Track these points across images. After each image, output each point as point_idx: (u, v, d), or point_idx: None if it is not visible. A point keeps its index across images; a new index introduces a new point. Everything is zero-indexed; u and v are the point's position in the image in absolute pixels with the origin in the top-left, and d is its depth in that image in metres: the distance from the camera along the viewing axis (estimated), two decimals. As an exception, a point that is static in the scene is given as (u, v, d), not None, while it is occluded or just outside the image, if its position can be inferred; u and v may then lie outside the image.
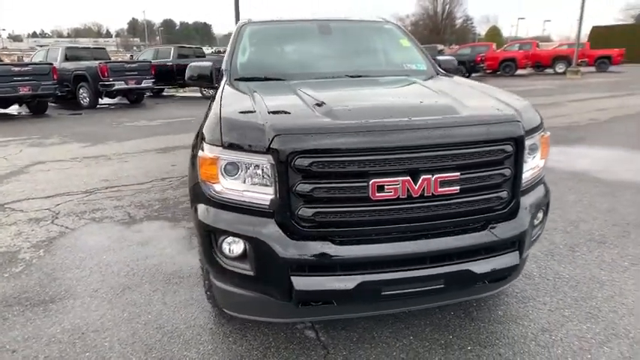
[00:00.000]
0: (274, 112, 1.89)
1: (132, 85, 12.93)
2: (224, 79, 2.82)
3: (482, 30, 62.08)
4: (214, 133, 1.87)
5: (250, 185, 1.81)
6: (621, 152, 6.20)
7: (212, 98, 2.86)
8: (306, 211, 1.73)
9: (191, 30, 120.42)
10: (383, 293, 1.81)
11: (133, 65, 13.33)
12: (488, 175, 1.82)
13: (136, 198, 4.66)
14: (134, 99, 14.15)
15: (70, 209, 4.35)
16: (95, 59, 13.40)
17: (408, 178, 1.71)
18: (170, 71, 15.05)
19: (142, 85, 13.30)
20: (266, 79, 2.78)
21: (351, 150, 1.69)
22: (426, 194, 1.74)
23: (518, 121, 1.89)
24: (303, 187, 1.71)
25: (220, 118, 1.90)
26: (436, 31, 48.95)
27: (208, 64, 3.01)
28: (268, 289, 1.88)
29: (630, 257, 3.09)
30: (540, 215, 2.13)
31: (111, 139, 8.12)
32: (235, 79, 2.79)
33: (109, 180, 5.37)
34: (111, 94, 13.39)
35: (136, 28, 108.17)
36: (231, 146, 1.80)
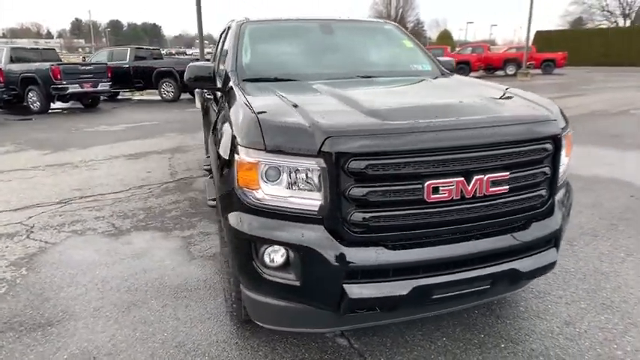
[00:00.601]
0: (316, 113, 1.80)
1: (88, 88, 12.21)
2: (232, 80, 2.69)
3: (432, 34, 64.21)
4: (252, 135, 1.76)
5: (295, 190, 1.72)
6: (592, 149, 6.52)
7: (222, 100, 2.73)
8: (359, 216, 1.67)
9: (139, 31, 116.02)
10: (433, 297, 1.77)
11: (89, 67, 12.60)
12: (532, 173, 1.84)
13: (116, 208, 4.38)
14: (89, 103, 13.37)
15: (46, 222, 4.01)
16: (45, 61, 12.55)
17: (462, 178, 1.69)
18: (127, 74, 14.37)
19: (99, 88, 12.59)
20: (276, 79, 2.67)
21: (408, 151, 1.65)
22: (477, 195, 1.73)
23: (555, 120, 1.93)
24: (357, 191, 1.64)
25: (258, 120, 1.78)
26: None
27: (210, 64, 2.87)
28: (314, 298, 1.79)
29: (624, 248, 3.26)
30: (567, 213, 2.18)
31: (72, 145, 7.61)
32: (244, 80, 2.66)
33: (81, 189, 5.01)
34: (64, 98, 12.60)
35: (79, 28, 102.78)
36: (275, 150, 1.70)
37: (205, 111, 4.93)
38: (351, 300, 1.69)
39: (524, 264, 1.87)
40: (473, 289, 1.82)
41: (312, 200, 1.70)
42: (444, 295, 1.78)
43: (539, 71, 25.78)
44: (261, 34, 3.12)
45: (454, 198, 1.70)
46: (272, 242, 1.76)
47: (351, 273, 1.69)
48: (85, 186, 5.13)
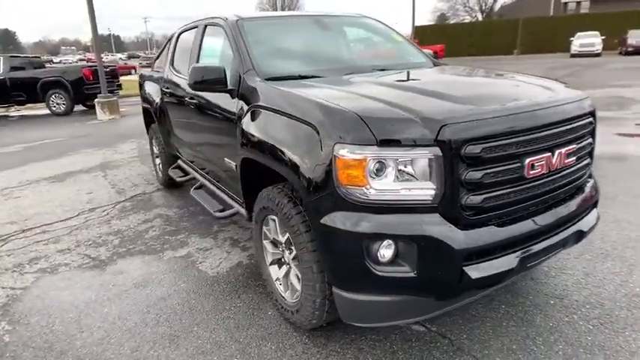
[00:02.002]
0: (407, 104, 1.81)
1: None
2: (251, 81, 2.53)
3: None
4: (358, 131, 1.70)
5: (406, 182, 1.71)
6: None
7: (237, 103, 2.54)
8: (473, 199, 1.72)
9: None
10: (529, 264, 1.91)
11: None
12: (585, 144, 2.08)
13: (78, 237, 3.81)
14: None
15: (-5, 265, 3.34)
16: None
17: (549, 154, 1.85)
18: (3, 87, 12.36)
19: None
20: (300, 77, 2.59)
21: (513, 132, 1.75)
22: (558, 167, 1.90)
23: (588, 97, 2.20)
24: (473, 175, 1.69)
25: (360, 115, 1.73)
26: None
27: (220, 65, 2.64)
28: (429, 286, 1.80)
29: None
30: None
31: (-34, 174, 6.36)
32: (267, 80, 2.52)
33: (16, 222, 4.25)
34: None
35: None
36: (386, 143, 1.67)
37: (158, 119, 4.53)
38: (473, 281, 1.74)
39: (583, 224, 2.11)
40: (554, 252, 2.00)
41: (425, 190, 1.71)
42: (537, 261, 1.93)
43: (423, 63, 28.18)
44: (261, 32, 2.96)
45: (544, 172, 1.86)
46: (386, 237, 1.73)
47: (469, 255, 1.74)
48: (19, 218, 4.35)
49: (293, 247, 2.17)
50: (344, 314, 1.98)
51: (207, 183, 3.63)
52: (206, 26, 3.43)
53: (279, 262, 2.48)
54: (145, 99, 5.04)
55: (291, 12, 3.01)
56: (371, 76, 2.60)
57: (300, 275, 2.15)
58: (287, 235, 2.21)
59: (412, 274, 1.75)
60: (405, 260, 1.76)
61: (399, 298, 1.86)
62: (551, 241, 1.94)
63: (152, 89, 4.72)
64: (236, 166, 2.73)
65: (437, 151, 1.67)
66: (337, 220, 1.78)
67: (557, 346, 2.10)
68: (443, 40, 34.94)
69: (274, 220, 2.32)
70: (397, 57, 3.23)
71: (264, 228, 2.47)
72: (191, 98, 3.35)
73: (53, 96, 12.59)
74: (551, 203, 1.98)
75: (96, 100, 11.52)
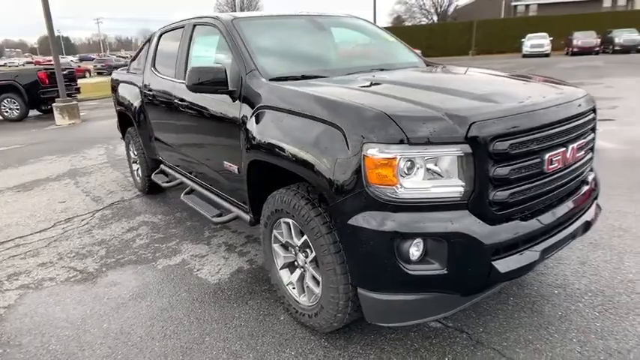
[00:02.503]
0: (430, 102, 1.82)
1: None
2: (255, 82, 2.46)
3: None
4: (388, 130, 1.69)
5: (436, 180, 1.72)
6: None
7: (240, 106, 2.48)
8: (500, 195, 1.75)
9: None
10: (546, 256, 1.97)
11: None
12: (590, 139, 2.17)
13: (58, 249, 3.58)
14: None
15: (-30, 284, 3.07)
16: None
17: (564, 148, 1.92)
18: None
19: None
20: (304, 77, 2.55)
21: (533, 129, 1.80)
22: (571, 161, 1.98)
23: (589, 94, 2.29)
24: (500, 171, 1.73)
25: (388, 114, 1.72)
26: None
27: (221, 66, 2.55)
28: (459, 283, 1.81)
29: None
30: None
31: None
32: (271, 80, 2.47)
33: (-16, 236, 3.94)
34: None
35: None
36: (417, 142, 1.67)
37: (138, 123, 4.35)
38: (501, 275, 1.77)
39: (589, 215, 2.21)
40: (567, 242, 2.07)
41: (454, 187, 1.72)
42: (553, 252, 2.00)
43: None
44: (258, 32, 2.89)
45: (559, 166, 1.92)
46: (418, 235, 1.73)
47: (497, 250, 1.77)
48: (-13, 231, 4.05)
49: (311, 250, 2.13)
50: (369, 315, 1.96)
51: (197, 188, 3.52)
52: (195, 26, 3.32)
53: (291, 266, 2.43)
54: (121, 102, 4.81)
55: (283, 12, 2.93)
56: (375, 75, 2.60)
57: (320, 278, 2.11)
58: (304, 237, 2.17)
59: (443, 271, 1.76)
60: (435, 258, 1.77)
61: (426, 296, 1.86)
62: (566, 232, 2.02)
63: (129, 92, 4.51)
64: (239, 169, 2.66)
65: (467, 148, 1.69)
66: (367, 220, 1.76)
67: (570, 334, 2.18)
68: (405, 41, 35.70)
69: (288, 223, 2.27)
70: (392, 57, 3.25)
71: (275, 231, 2.42)
72: (181, 100, 3.23)
73: (5, 100, 11.84)
74: (563, 196, 2.05)
75: (54, 104, 10.92)
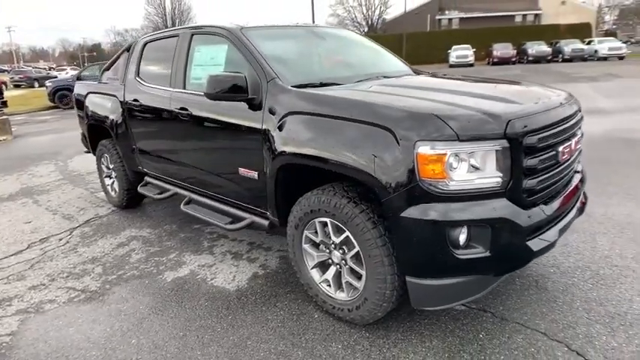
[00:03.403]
0: (470, 104, 2.05)
1: None
2: (284, 87, 2.55)
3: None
4: (439, 129, 1.87)
5: (479, 172, 1.93)
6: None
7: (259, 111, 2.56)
8: (530, 183, 2.00)
9: None
10: (561, 235, 2.26)
11: None
12: (581, 133, 2.52)
13: (45, 270, 3.36)
14: None
15: (-44, 314, 2.80)
16: None
17: (570, 142, 2.23)
18: None
19: None
20: (322, 84, 2.67)
21: (551, 125, 2.08)
22: (573, 152, 2.30)
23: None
24: (531, 162, 1.98)
25: (439, 115, 1.90)
26: (170, 46, 48.49)
27: (241, 74, 2.60)
28: (498, 264, 2.03)
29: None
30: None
31: None
32: (293, 87, 2.57)
33: (-51, 263, 3.57)
34: None
35: None
36: (465, 138, 1.87)
37: (117, 135, 4.20)
38: (534, 253, 2.02)
39: (583, 197, 2.56)
40: (572, 222, 2.39)
41: (494, 178, 1.94)
42: (565, 231, 2.29)
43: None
44: (268, 41, 2.97)
45: (567, 157, 2.23)
46: (466, 223, 1.93)
47: (530, 231, 2.02)
48: (-50, 258, 3.67)
49: (351, 246, 2.25)
50: (417, 301, 2.12)
51: (197, 197, 3.48)
52: (193, 35, 3.31)
53: (322, 265, 2.53)
54: (92, 115, 4.59)
55: (285, 23, 3.04)
56: (387, 82, 2.79)
57: (363, 272, 2.24)
58: (344, 235, 2.29)
59: (486, 254, 1.97)
60: (479, 242, 1.97)
61: (467, 278, 2.06)
62: (572, 213, 2.33)
63: (105, 104, 4.33)
64: (259, 174, 2.71)
65: (504, 143, 1.92)
66: (420, 211, 1.93)
67: (575, 304, 2.49)
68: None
69: (324, 223, 2.38)
70: (387, 65, 3.46)
71: (307, 232, 2.50)
72: (182, 109, 3.21)
73: None
74: (567, 183, 2.37)
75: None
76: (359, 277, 2.31)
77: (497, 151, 1.92)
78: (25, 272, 3.35)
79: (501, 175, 1.94)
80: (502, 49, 31.18)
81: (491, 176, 1.94)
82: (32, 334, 2.55)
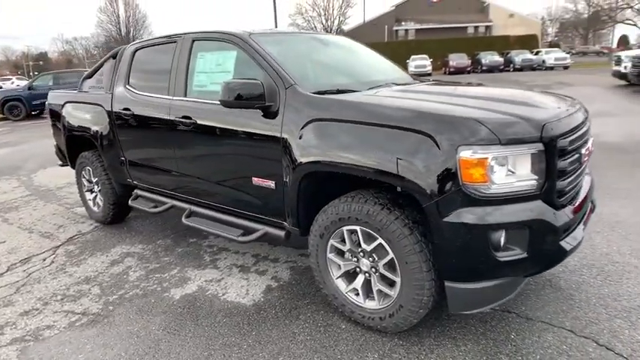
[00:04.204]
0: (505, 109, 2.09)
1: None
2: (305, 94, 2.50)
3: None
4: (481, 133, 1.89)
5: (517, 175, 1.97)
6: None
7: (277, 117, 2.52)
8: (561, 184, 2.06)
9: None
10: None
11: None
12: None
13: (34, 293, 3.10)
14: None
15: (-60, 347, 2.51)
16: None
17: (587, 144, 2.33)
18: None
19: None
20: (338, 91, 2.65)
21: (577, 127, 2.17)
22: (589, 154, 2.40)
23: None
24: (562, 164, 2.04)
25: (480, 120, 1.92)
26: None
27: (257, 80, 2.53)
28: (533, 264, 2.07)
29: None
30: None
31: None
32: (314, 93, 2.53)
33: None
34: None
35: None
36: (506, 142, 1.90)
37: (103, 146, 3.99)
38: (566, 252, 2.08)
39: (594, 196, 2.68)
40: (589, 220, 2.48)
41: (531, 180, 1.98)
42: (585, 228, 2.38)
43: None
44: (276, 47, 2.91)
45: (586, 159, 2.32)
46: (507, 225, 1.96)
47: (562, 232, 2.08)
48: None
49: (387, 253, 2.22)
50: (455, 305, 2.12)
51: (198, 209, 3.35)
52: (194, 41, 3.20)
53: (348, 274, 2.49)
54: (72, 126, 4.33)
55: (291, 30, 3.03)
56: (402, 89, 2.81)
57: (398, 279, 2.21)
58: (376, 242, 2.26)
59: (524, 255, 2.01)
60: (516, 244, 2.01)
61: (502, 280, 2.09)
62: (588, 212, 2.43)
63: (88, 113, 4.09)
64: (276, 184, 2.65)
65: (540, 146, 1.97)
66: (464, 215, 1.93)
67: (592, 301, 2.59)
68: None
69: (353, 231, 2.34)
70: (392, 73, 3.49)
71: (332, 241, 2.45)
72: (185, 118, 3.08)
73: None
74: (584, 183, 2.47)
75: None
76: (391, 284, 2.29)
77: (533, 154, 1.97)
78: (11, 297, 3.07)
79: (537, 177, 1.99)
80: (458, 59, 32.51)
81: (528, 179, 1.98)
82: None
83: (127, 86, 3.72)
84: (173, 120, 3.18)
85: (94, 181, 4.35)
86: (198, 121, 3.01)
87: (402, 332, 2.38)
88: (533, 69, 30.36)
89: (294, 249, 3.55)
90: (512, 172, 1.96)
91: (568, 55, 31.79)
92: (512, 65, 31.65)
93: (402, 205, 2.21)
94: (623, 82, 14.52)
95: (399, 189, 2.31)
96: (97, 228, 4.38)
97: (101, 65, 4.24)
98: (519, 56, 31.62)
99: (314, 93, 2.54)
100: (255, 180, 2.77)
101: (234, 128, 2.80)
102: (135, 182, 3.93)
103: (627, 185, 4.64)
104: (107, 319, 2.72)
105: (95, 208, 4.45)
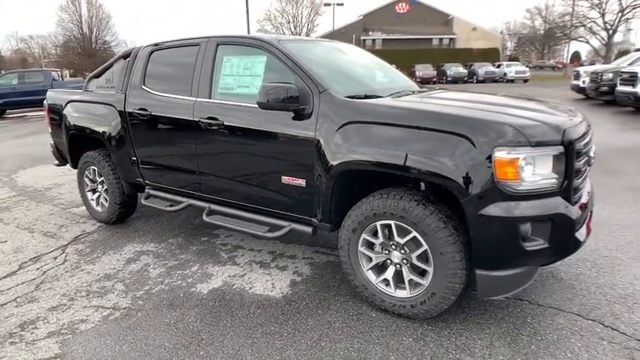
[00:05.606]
0: (530, 115, 2.36)
1: None
2: (340, 99, 2.68)
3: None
4: (515, 136, 2.13)
5: (542, 173, 2.23)
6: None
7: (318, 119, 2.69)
8: (576, 183, 2.35)
9: None
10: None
11: None
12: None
13: (56, 290, 3.09)
14: None
15: (-28, 343, 2.49)
16: None
17: (593, 148, 2.64)
18: None
19: None
20: (366, 96, 2.85)
21: (586, 132, 2.46)
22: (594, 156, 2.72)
23: (576, 110, 3.12)
24: (578, 165, 2.32)
25: (513, 125, 2.16)
26: (87, 55, 45.55)
27: (292, 84, 2.68)
28: (553, 253, 2.33)
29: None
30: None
31: None
32: (347, 97, 2.72)
33: None
34: None
35: None
36: (535, 144, 2.16)
37: (112, 146, 4.01)
38: (580, 243, 2.37)
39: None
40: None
41: (553, 179, 2.25)
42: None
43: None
44: (304, 53, 3.08)
45: (592, 161, 2.63)
46: (534, 218, 2.21)
47: (577, 225, 2.36)
48: None
49: (421, 245, 2.42)
50: (484, 291, 2.36)
51: (218, 208, 3.45)
52: (218, 45, 3.32)
53: (377, 266, 2.68)
54: (76, 124, 4.30)
55: (310, 38, 3.18)
56: (425, 95, 3.05)
57: (430, 269, 2.42)
58: (410, 235, 2.46)
59: (545, 245, 2.27)
60: (539, 235, 2.27)
61: (525, 269, 2.35)
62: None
63: (97, 112, 4.09)
64: (307, 182, 2.80)
65: (561, 148, 2.24)
66: (498, 209, 2.17)
67: (591, 289, 2.89)
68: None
69: (387, 225, 2.53)
70: (404, 81, 3.74)
71: (364, 235, 2.64)
72: (210, 119, 3.19)
73: None
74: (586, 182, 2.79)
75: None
76: (421, 273, 2.50)
77: (554, 155, 2.24)
78: (33, 294, 3.05)
79: (557, 176, 2.26)
80: (424, 70, 33.61)
81: (550, 177, 2.25)
82: (81, 355, 2.37)
83: (144, 87, 3.76)
84: (197, 121, 3.28)
85: (99, 180, 4.33)
86: (226, 122, 3.12)
87: (431, 319, 2.58)
88: (495, 81, 31.86)
89: (308, 246, 3.70)
90: (538, 171, 2.22)
91: (528, 69, 33.58)
92: (475, 77, 33.05)
93: (434, 201, 2.42)
94: (581, 96, 15.57)
95: (423, 186, 2.55)
96: (102, 228, 4.35)
97: (110, 65, 4.25)
98: (482, 68, 33.12)
99: (349, 97, 2.73)
100: (285, 179, 2.91)
101: (264, 129, 2.94)
102: (146, 181, 3.96)
103: (601, 191, 5.08)
104: (140, 313, 2.77)
105: (98, 208, 4.42)
